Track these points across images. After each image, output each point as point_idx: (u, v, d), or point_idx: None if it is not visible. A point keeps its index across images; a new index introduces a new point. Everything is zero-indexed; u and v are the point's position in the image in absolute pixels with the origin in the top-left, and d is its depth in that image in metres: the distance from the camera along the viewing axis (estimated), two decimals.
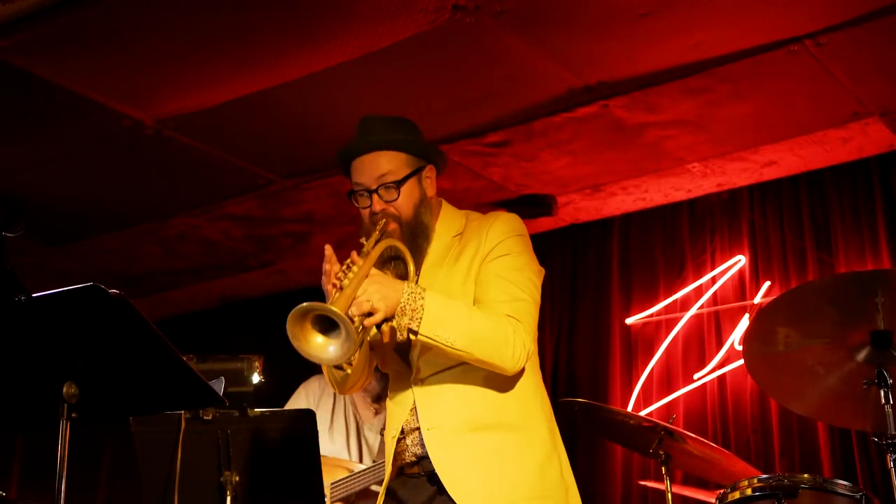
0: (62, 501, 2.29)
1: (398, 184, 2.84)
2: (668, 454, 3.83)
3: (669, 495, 3.79)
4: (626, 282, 5.85)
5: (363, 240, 2.77)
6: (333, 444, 4.66)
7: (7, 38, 4.14)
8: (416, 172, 2.89)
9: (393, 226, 2.84)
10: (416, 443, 2.83)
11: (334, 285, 2.64)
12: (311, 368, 5.22)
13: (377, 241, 2.78)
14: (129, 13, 4.05)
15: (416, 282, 2.81)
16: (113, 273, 6.68)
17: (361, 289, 2.62)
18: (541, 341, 5.87)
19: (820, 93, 4.63)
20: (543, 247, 6.05)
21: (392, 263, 2.82)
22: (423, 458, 2.80)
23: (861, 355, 3.27)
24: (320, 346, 2.55)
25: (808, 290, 3.47)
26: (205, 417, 3.38)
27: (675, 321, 5.58)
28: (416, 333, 2.67)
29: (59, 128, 4.94)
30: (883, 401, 3.14)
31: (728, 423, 5.26)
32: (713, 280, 5.54)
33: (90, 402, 2.37)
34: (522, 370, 2.85)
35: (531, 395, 2.89)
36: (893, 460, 3.07)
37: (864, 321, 3.20)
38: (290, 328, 2.52)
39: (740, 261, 5.49)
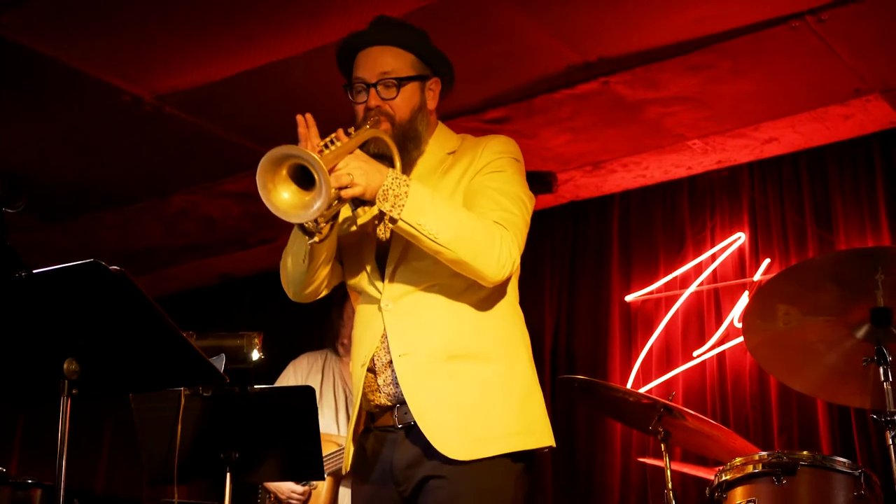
0: (63, 477, 2.29)
1: (400, 81, 2.71)
2: (667, 431, 3.84)
3: (669, 472, 3.80)
4: (625, 259, 5.85)
5: (352, 129, 2.61)
6: (323, 419, 4.67)
7: (6, 13, 4.13)
8: (420, 78, 2.76)
9: (385, 124, 2.68)
10: (388, 381, 2.65)
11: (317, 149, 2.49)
12: (306, 346, 5.25)
13: (366, 128, 2.63)
14: None
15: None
16: (113, 250, 6.68)
17: (343, 162, 2.47)
18: (540, 318, 5.92)
19: (821, 69, 4.62)
20: (543, 224, 6.06)
21: (377, 159, 2.61)
22: (399, 405, 2.63)
23: (860, 332, 3.28)
24: (290, 201, 2.40)
25: (807, 268, 3.47)
26: (204, 394, 3.37)
27: (675, 298, 5.59)
28: (395, 222, 2.49)
29: (59, 104, 4.93)
30: (882, 378, 3.15)
31: (727, 401, 5.27)
32: (713, 257, 5.54)
33: (91, 378, 2.36)
34: (504, 292, 2.71)
35: (511, 323, 2.73)
36: (892, 437, 3.08)
37: (864, 298, 3.20)
38: (261, 176, 2.39)
39: (740, 238, 5.49)
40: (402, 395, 2.60)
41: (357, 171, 2.46)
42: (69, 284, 2.26)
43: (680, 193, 5.77)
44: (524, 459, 2.65)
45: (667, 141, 5.33)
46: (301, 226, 2.58)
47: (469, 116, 5.04)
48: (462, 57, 4.59)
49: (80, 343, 2.35)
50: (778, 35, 4.36)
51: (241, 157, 5.53)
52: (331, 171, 2.43)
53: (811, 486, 3.27)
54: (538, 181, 5.73)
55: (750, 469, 3.34)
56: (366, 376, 2.69)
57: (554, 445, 2.71)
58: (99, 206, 6.14)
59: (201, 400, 3.37)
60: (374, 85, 2.70)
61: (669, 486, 3.78)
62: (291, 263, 2.74)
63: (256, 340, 3.62)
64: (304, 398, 3.48)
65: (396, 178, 2.51)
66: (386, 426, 2.68)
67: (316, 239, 2.56)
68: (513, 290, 2.78)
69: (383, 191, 2.48)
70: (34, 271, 2.26)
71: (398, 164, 2.60)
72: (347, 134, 2.56)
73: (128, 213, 6.23)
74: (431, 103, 2.79)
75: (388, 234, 2.69)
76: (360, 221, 2.70)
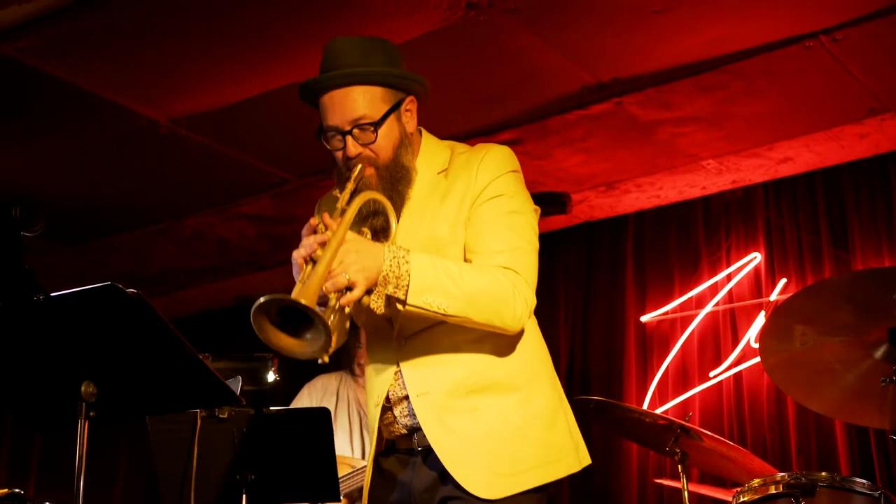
0: (80, 499, 2.29)
1: (376, 125, 2.49)
2: (684, 452, 3.82)
3: (686, 493, 3.77)
4: (640, 279, 5.84)
5: (336, 192, 2.49)
6: (337, 441, 4.67)
7: (23, 38, 4.16)
8: (394, 108, 2.54)
9: (370, 170, 2.51)
10: (405, 413, 2.56)
11: (306, 260, 2.32)
12: (321, 367, 5.25)
13: (352, 195, 2.45)
14: (145, 13, 4.05)
15: (398, 222, 2.51)
16: (128, 272, 6.70)
17: (337, 260, 2.29)
18: (555, 339, 5.91)
19: (836, 89, 4.61)
20: (558, 244, 6.06)
21: (371, 218, 2.50)
22: (417, 430, 2.54)
23: (879, 352, 3.26)
24: (292, 342, 2.24)
25: (824, 287, 3.46)
26: (220, 416, 3.37)
27: (691, 319, 5.57)
28: (403, 303, 2.37)
29: (75, 128, 4.96)
30: None
31: (744, 421, 5.25)
32: (729, 277, 5.53)
33: (108, 401, 2.37)
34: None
35: (530, 347, 2.62)
36: None
37: (882, 318, 3.19)
38: (256, 321, 2.22)
39: (756, 258, 5.47)
40: (419, 424, 2.52)
41: (353, 269, 2.31)
42: (86, 307, 2.27)
43: (695, 213, 5.76)
44: (548, 487, 2.57)
45: (681, 161, 5.33)
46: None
47: (483, 138, 5.04)
48: (475, 78, 4.64)
49: (96, 366, 2.35)
50: (792, 55, 4.36)
51: (257, 180, 5.55)
52: (327, 274, 2.29)
53: None
54: (552, 202, 5.73)
55: (769, 490, 3.31)
56: (381, 416, 2.62)
57: (589, 462, 2.65)
58: (114, 228, 6.16)
59: (217, 422, 3.37)
60: (349, 132, 2.51)
61: None
62: None
63: (272, 362, 3.62)
64: (320, 420, 3.48)
65: (395, 257, 2.37)
66: (406, 449, 2.61)
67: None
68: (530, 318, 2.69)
69: (383, 276, 2.35)
70: (51, 294, 2.27)
71: (393, 225, 2.48)
72: (341, 210, 2.41)
73: (143, 236, 6.25)
74: (411, 125, 2.61)
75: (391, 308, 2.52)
76: (372, 308, 2.45)
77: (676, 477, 3.88)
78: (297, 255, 2.34)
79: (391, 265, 2.36)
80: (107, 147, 5.16)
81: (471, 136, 5.04)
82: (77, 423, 2.32)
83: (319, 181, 5.54)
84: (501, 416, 2.52)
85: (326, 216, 2.37)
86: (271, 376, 3.61)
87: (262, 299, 2.19)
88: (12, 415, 2.60)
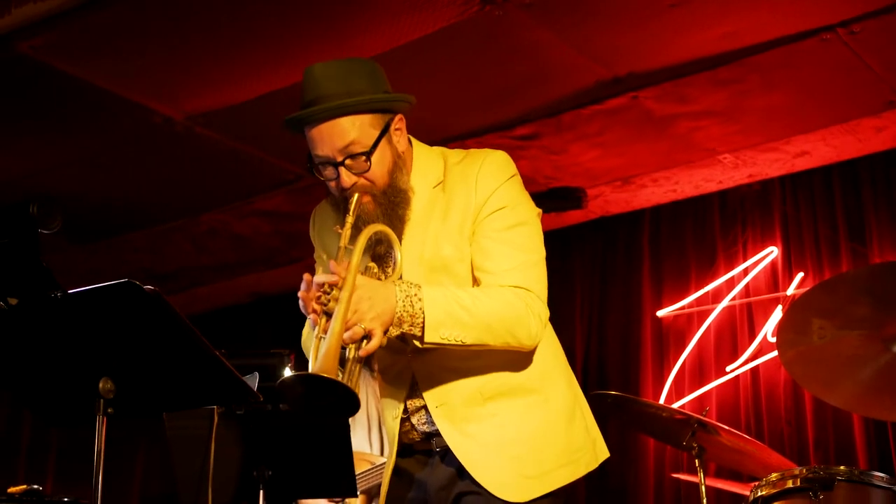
0: (99, 496, 2.30)
1: (368, 154, 2.46)
2: (701, 447, 3.81)
3: (703, 488, 3.76)
4: (656, 274, 5.83)
5: (338, 228, 2.46)
6: (355, 437, 4.66)
7: (38, 35, 4.18)
8: (384, 132, 2.49)
9: (367, 199, 2.48)
10: (422, 421, 2.58)
11: (315, 311, 2.34)
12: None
13: (353, 230, 2.44)
14: (159, 10, 4.07)
15: (401, 243, 2.52)
16: (144, 270, 6.72)
17: (351, 310, 2.30)
18: (572, 334, 5.90)
19: (853, 82, 4.59)
20: (573, 239, 6.05)
21: (374, 247, 2.51)
22: (435, 435, 2.56)
23: None
24: (324, 408, 2.28)
25: (841, 281, 3.45)
26: (238, 412, 3.38)
27: (707, 313, 5.55)
28: (420, 340, 2.39)
29: (90, 125, 4.97)
30: None
31: (762, 416, 5.23)
32: (745, 272, 5.51)
33: (126, 397, 2.38)
34: None
35: (543, 347, 2.61)
36: None
37: None
38: (286, 396, 2.28)
39: (773, 252, 5.45)
40: (437, 430, 2.54)
41: (367, 316, 2.31)
42: (104, 304, 2.28)
43: (711, 208, 5.74)
44: (568, 488, 2.61)
45: (697, 155, 5.31)
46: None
47: (498, 133, 5.04)
48: (490, 74, 4.64)
49: (114, 362, 2.36)
50: (809, 48, 4.34)
51: (271, 176, 5.56)
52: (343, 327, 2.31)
53: (849, 501, 3.23)
54: (568, 197, 5.72)
55: (787, 484, 3.30)
56: (400, 426, 2.63)
57: (607, 456, 2.70)
58: (130, 226, 6.18)
59: (234, 418, 3.38)
60: (342, 163, 2.47)
61: (704, 502, 3.74)
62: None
63: (288, 358, 3.63)
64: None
65: (407, 296, 2.37)
66: (423, 450, 2.63)
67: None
68: None
69: (398, 318, 2.36)
70: (69, 292, 2.28)
71: (399, 255, 2.49)
72: (338, 238, 2.44)
73: (158, 233, 6.27)
74: (402, 144, 2.56)
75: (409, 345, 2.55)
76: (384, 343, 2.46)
77: (693, 472, 3.87)
78: (307, 308, 2.36)
79: (404, 305, 2.36)
80: (122, 145, 5.18)
81: (486, 131, 5.03)
82: (95, 420, 2.33)
83: None
84: (521, 420, 2.54)
85: (334, 264, 2.36)
86: (288, 372, 3.62)
87: (285, 378, 2.25)
88: (31, 411, 2.61)
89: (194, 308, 7.27)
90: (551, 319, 2.77)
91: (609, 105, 4.83)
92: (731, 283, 5.54)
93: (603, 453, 2.69)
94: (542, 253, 2.58)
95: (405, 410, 2.60)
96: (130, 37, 4.24)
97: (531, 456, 2.52)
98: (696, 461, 3.81)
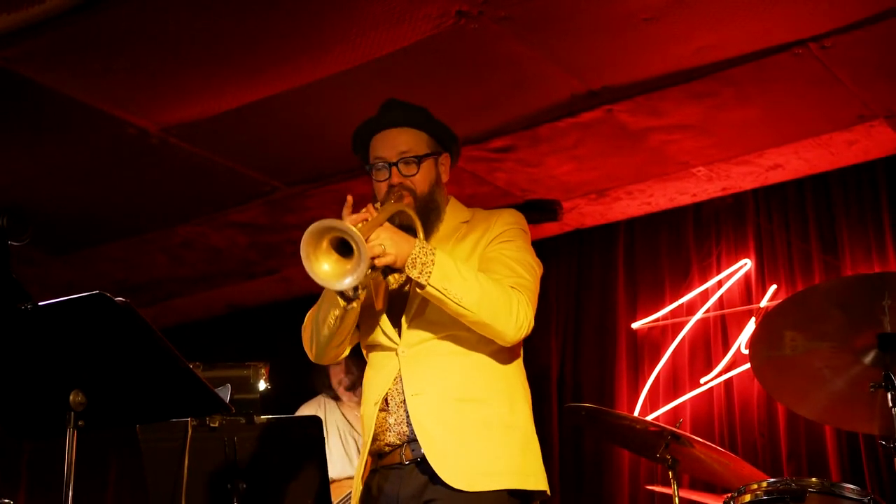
0: None
1: (419, 159, 2.92)
2: (675, 459, 3.82)
3: (677, 500, 3.78)
4: (631, 286, 5.85)
5: (377, 205, 2.82)
6: (334, 466, 4.64)
7: (12, 46, 4.15)
8: (434, 154, 2.98)
9: (408, 198, 2.88)
10: (400, 420, 2.82)
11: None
12: (309, 381, 5.24)
13: (391, 203, 2.84)
14: (134, 22, 4.05)
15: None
16: (118, 281, 6.69)
17: (374, 234, 2.66)
18: (546, 346, 5.91)
19: (825, 96, 4.63)
20: (548, 252, 6.05)
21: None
22: (410, 441, 2.79)
23: (868, 358, 3.27)
24: (330, 271, 2.58)
25: (814, 294, 3.46)
26: (211, 425, 3.37)
27: (682, 325, 5.58)
28: (423, 287, 2.69)
29: (64, 136, 4.95)
30: (890, 404, 3.13)
31: (735, 428, 5.25)
32: (719, 284, 5.54)
33: (97, 410, 2.37)
34: (513, 347, 2.88)
35: (514, 373, 2.91)
36: None
37: (871, 324, 3.19)
38: (305, 247, 2.56)
39: (746, 264, 5.49)
40: (412, 433, 2.77)
41: (388, 242, 2.66)
42: (75, 316, 2.27)
43: (685, 220, 5.77)
44: (521, 498, 2.79)
45: (671, 168, 5.34)
46: (341, 293, 2.72)
47: (474, 145, 5.05)
48: (467, 87, 4.65)
49: (85, 375, 2.35)
50: (781, 62, 4.37)
51: (247, 188, 5.55)
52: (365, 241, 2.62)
53: None
54: (543, 210, 5.74)
55: (759, 496, 3.32)
56: (378, 415, 2.85)
57: (548, 493, 2.87)
58: (104, 237, 6.15)
59: (208, 430, 3.37)
60: (395, 164, 2.91)
61: None
62: (320, 327, 2.88)
63: (263, 371, 3.62)
64: (312, 428, 3.47)
65: (423, 247, 2.71)
66: (392, 464, 2.83)
67: (354, 305, 2.75)
68: (520, 346, 2.94)
69: (412, 259, 2.68)
70: (39, 304, 2.27)
71: (421, 234, 2.79)
72: (375, 209, 2.77)
73: (133, 245, 6.24)
74: (444, 177, 3.02)
75: (397, 284, 2.83)
76: (390, 287, 2.86)
77: (668, 483, 3.89)
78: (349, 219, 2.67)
79: (419, 251, 2.69)
80: (96, 156, 5.15)
81: (462, 144, 4.99)
82: (66, 433, 2.32)
83: (310, 189, 5.54)
84: (484, 424, 2.79)
85: (370, 206, 2.75)
86: (262, 385, 3.61)
87: (321, 221, 2.57)
88: (1, 424, 2.59)
89: (170, 319, 7.24)
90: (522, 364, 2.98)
91: (584, 118, 4.85)
92: (705, 296, 5.57)
93: (548, 491, 2.87)
94: (537, 289, 2.91)
95: (385, 402, 2.84)
96: (105, 48, 4.23)
97: (486, 456, 2.76)
98: (670, 473, 3.83)
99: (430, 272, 2.68)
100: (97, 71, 4.38)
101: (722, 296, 5.52)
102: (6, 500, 3.70)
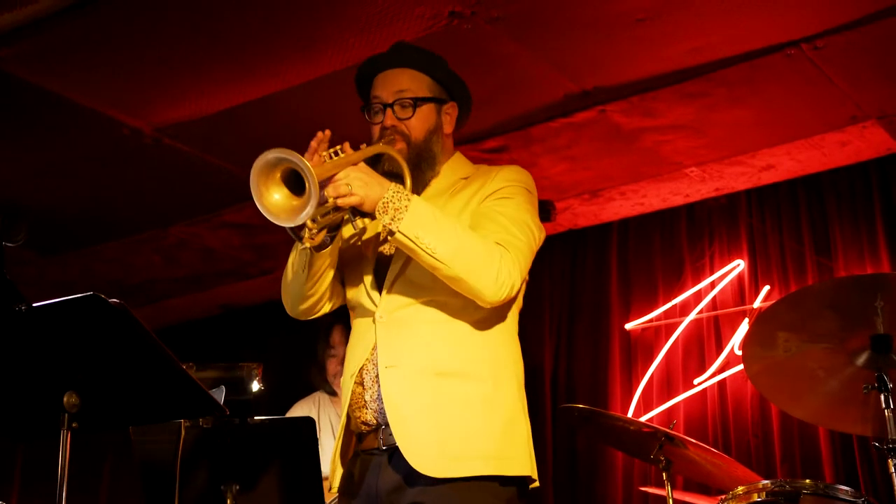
0: None
1: (416, 102, 2.73)
2: (668, 460, 3.83)
3: (671, 501, 3.78)
4: (624, 287, 5.85)
5: (363, 145, 2.63)
6: (325, 461, 4.64)
7: (5, 47, 4.15)
8: (436, 101, 2.78)
9: (401, 144, 2.69)
10: (375, 397, 2.58)
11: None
12: (307, 376, 5.24)
13: (376, 145, 2.65)
14: (128, 22, 4.05)
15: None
16: (112, 282, 6.68)
17: (343, 172, 2.47)
18: (540, 347, 5.91)
19: (817, 97, 4.64)
20: (542, 253, 6.02)
21: (387, 177, 2.60)
22: (385, 426, 2.56)
23: (861, 359, 3.27)
24: (279, 204, 2.43)
25: (807, 294, 3.46)
26: (205, 426, 3.37)
27: (675, 326, 5.58)
28: (393, 234, 2.47)
29: (58, 137, 4.94)
30: (883, 405, 3.13)
31: (729, 429, 5.26)
32: (712, 285, 5.54)
33: (91, 411, 2.36)
34: (503, 317, 2.66)
35: (506, 348, 2.67)
36: (894, 465, 3.06)
37: (864, 325, 3.19)
38: (255, 177, 2.45)
39: (739, 265, 5.49)
40: (387, 419, 2.55)
41: (356, 182, 2.46)
42: (69, 317, 2.26)
43: (678, 221, 5.78)
44: (514, 485, 2.56)
45: (664, 169, 5.35)
46: (292, 230, 2.56)
47: (467, 146, 5.05)
48: None
49: (79, 376, 2.35)
50: (774, 63, 4.38)
51: (241, 189, 5.49)
52: (329, 179, 2.47)
53: None
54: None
55: (753, 498, 3.32)
56: (353, 390, 2.64)
57: (535, 478, 2.62)
58: (98, 238, 6.14)
59: (202, 432, 3.36)
60: (391, 105, 2.72)
61: None
62: (291, 275, 2.73)
63: (256, 371, 3.62)
64: (305, 429, 3.47)
65: (398, 192, 2.50)
66: (371, 449, 2.63)
67: (306, 244, 2.53)
68: (512, 318, 2.73)
69: (383, 203, 2.47)
70: (33, 305, 2.26)
71: (409, 182, 2.61)
72: (357, 149, 2.58)
73: (127, 245, 6.23)
74: (448, 127, 2.81)
75: (391, 251, 2.68)
76: (365, 237, 2.71)
77: (661, 485, 3.89)
78: (308, 158, 2.47)
79: (393, 196, 2.48)
80: (90, 156, 5.15)
81: (456, 143, 5.02)
82: (60, 434, 2.31)
83: None
84: (463, 403, 2.54)
85: (346, 144, 2.54)
86: (255, 386, 3.61)
87: (271, 150, 2.43)
88: None
89: (164, 320, 7.23)
90: (519, 332, 2.79)
91: (577, 118, 4.85)
92: (698, 297, 5.57)
93: (534, 476, 2.63)
94: (533, 248, 2.70)
95: (360, 374, 2.63)
96: (99, 49, 4.22)
97: (461, 438, 2.51)
98: (664, 474, 3.83)
99: (402, 218, 2.45)
100: (91, 71, 4.38)
101: (715, 297, 5.53)
102: (0, 502, 3.69)
